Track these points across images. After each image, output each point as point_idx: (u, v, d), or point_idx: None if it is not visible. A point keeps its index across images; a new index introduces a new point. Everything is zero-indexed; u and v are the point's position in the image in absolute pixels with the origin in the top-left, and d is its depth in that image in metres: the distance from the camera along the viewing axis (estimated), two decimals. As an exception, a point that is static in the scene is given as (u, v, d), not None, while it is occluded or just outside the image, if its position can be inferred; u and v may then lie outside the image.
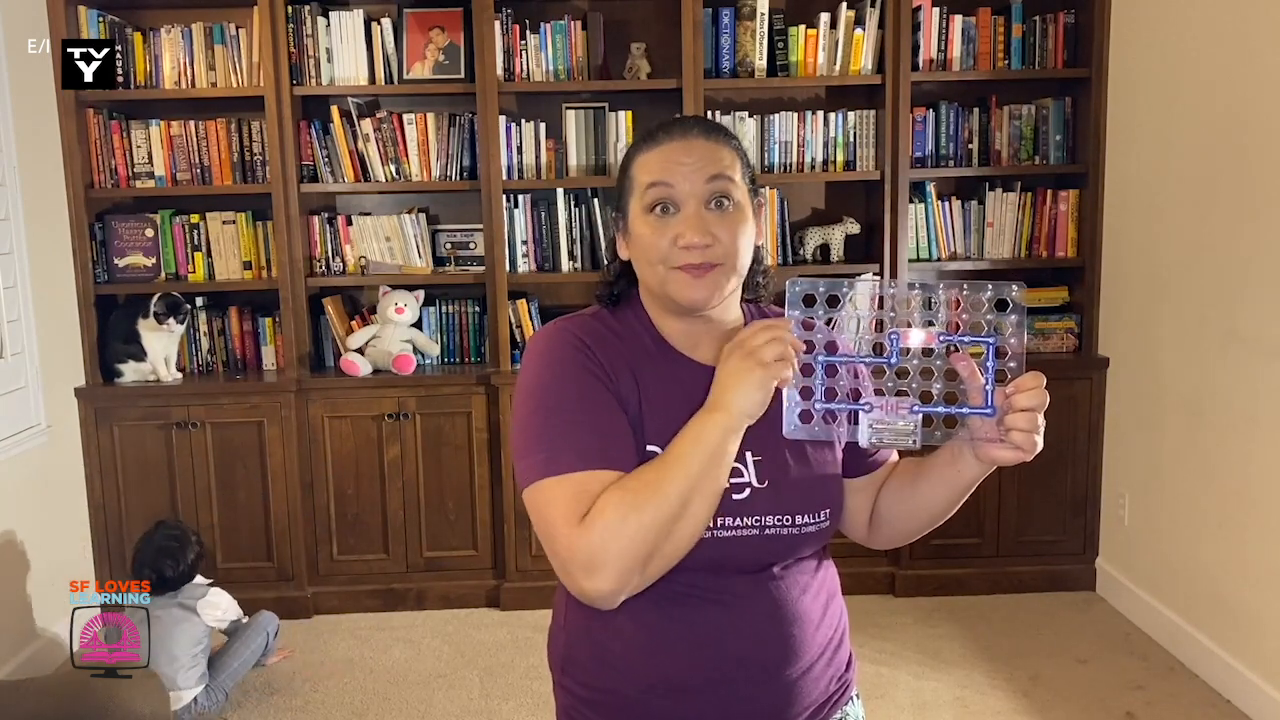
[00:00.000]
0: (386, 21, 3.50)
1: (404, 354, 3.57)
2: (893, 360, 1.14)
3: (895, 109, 3.50)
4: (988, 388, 1.13)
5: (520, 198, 3.59)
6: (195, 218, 3.59)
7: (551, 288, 3.81)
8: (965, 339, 1.14)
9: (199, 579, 3.03)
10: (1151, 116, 3.30)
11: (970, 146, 3.64)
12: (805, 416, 1.15)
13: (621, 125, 3.56)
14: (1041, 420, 1.11)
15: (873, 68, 3.53)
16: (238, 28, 3.48)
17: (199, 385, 3.55)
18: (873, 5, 3.48)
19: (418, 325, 3.66)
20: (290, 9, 3.43)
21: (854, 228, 3.67)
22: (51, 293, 3.36)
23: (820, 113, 3.59)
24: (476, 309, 3.71)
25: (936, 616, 3.52)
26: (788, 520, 1.19)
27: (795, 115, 3.58)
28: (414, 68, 3.54)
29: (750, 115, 3.57)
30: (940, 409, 1.14)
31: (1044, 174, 3.68)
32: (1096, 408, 3.62)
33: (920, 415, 1.13)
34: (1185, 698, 2.98)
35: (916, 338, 1.14)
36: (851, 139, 3.60)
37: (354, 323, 3.69)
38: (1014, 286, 1.12)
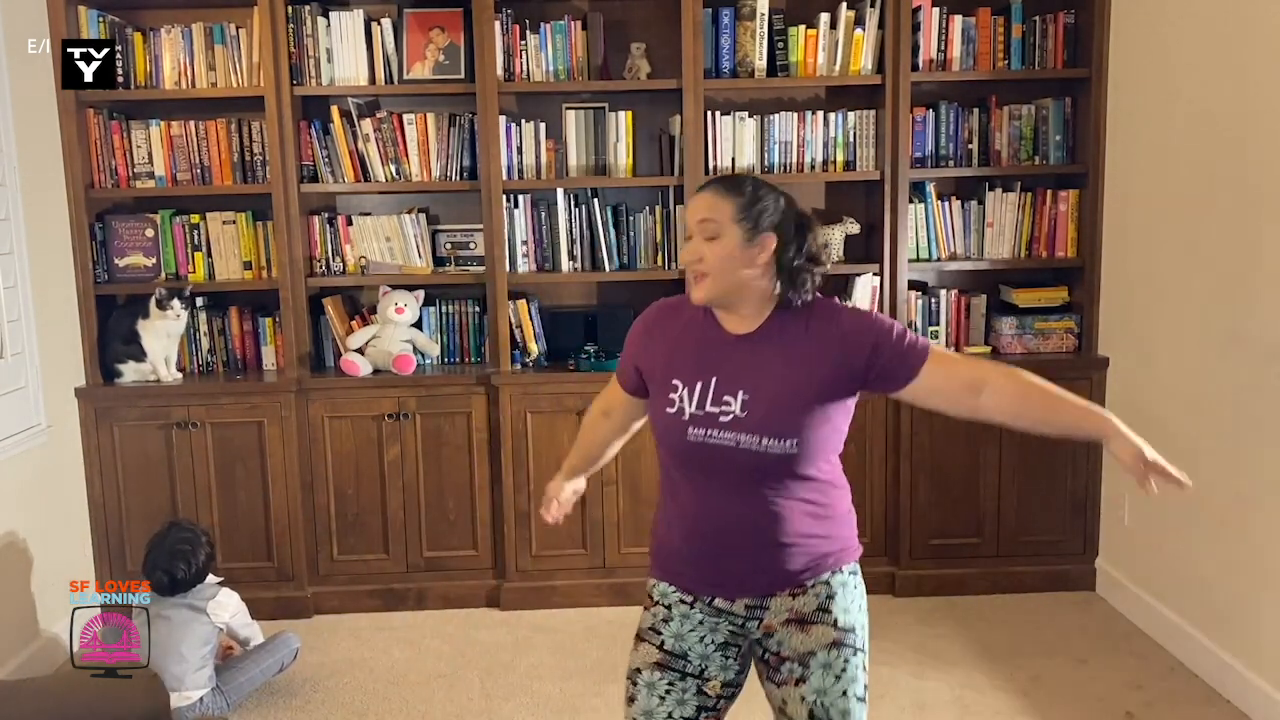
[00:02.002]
0: (386, 21, 3.50)
1: (404, 354, 3.57)
2: None
3: (895, 109, 3.51)
4: None
5: (520, 198, 3.59)
6: (195, 218, 3.59)
7: (551, 288, 3.81)
8: None
9: (210, 579, 3.03)
10: (1151, 116, 3.30)
11: (970, 146, 3.64)
12: None
13: (621, 125, 3.56)
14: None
15: (873, 68, 3.53)
16: (238, 28, 3.48)
17: (199, 385, 3.55)
18: (873, 5, 3.48)
19: (418, 325, 3.67)
20: (290, 9, 3.43)
21: (854, 228, 3.67)
22: (51, 293, 3.36)
23: (820, 113, 3.59)
24: (476, 309, 3.71)
25: (936, 616, 3.52)
26: (756, 441, 1.71)
27: (795, 115, 3.58)
28: (414, 68, 3.54)
29: (750, 115, 3.57)
30: None
31: (1044, 174, 3.68)
32: (1096, 408, 3.61)
33: None
34: (1185, 698, 2.98)
35: None
36: (851, 139, 3.60)
37: (354, 323, 3.69)
38: None
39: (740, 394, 1.73)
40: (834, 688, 1.75)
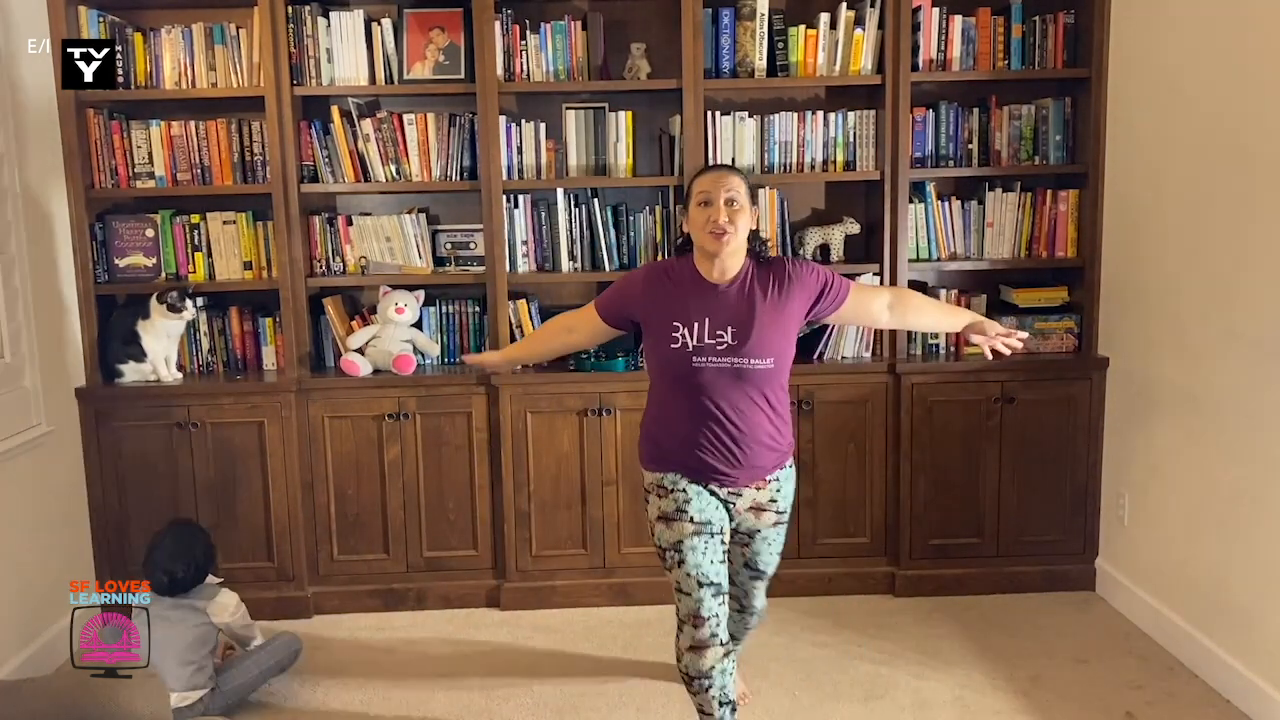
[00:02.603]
0: (386, 21, 3.50)
1: (404, 354, 3.57)
2: None
3: (895, 109, 3.51)
4: None
5: (520, 198, 3.59)
6: (195, 218, 3.59)
7: (551, 288, 3.81)
8: None
9: (210, 579, 3.03)
10: (1151, 116, 3.30)
11: (970, 146, 3.64)
12: None
13: (621, 125, 3.56)
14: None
15: (873, 68, 3.53)
16: (238, 28, 3.48)
17: (199, 385, 3.55)
18: (873, 5, 3.48)
19: (418, 325, 3.66)
20: (290, 9, 3.43)
21: (854, 228, 3.67)
22: (51, 293, 3.36)
23: (820, 113, 3.59)
24: (476, 309, 3.71)
25: (936, 616, 3.52)
26: (746, 361, 2.36)
27: (795, 115, 3.58)
28: (414, 68, 3.54)
29: (750, 115, 3.57)
30: None
31: (1044, 174, 3.68)
32: (1096, 408, 3.62)
33: None
34: (1185, 698, 2.98)
35: None
36: (851, 139, 3.60)
37: (354, 323, 3.69)
38: None
39: (730, 328, 2.36)
40: (766, 550, 2.61)
